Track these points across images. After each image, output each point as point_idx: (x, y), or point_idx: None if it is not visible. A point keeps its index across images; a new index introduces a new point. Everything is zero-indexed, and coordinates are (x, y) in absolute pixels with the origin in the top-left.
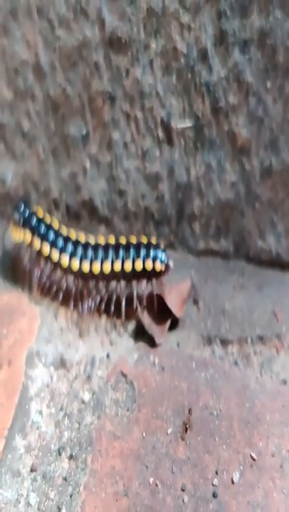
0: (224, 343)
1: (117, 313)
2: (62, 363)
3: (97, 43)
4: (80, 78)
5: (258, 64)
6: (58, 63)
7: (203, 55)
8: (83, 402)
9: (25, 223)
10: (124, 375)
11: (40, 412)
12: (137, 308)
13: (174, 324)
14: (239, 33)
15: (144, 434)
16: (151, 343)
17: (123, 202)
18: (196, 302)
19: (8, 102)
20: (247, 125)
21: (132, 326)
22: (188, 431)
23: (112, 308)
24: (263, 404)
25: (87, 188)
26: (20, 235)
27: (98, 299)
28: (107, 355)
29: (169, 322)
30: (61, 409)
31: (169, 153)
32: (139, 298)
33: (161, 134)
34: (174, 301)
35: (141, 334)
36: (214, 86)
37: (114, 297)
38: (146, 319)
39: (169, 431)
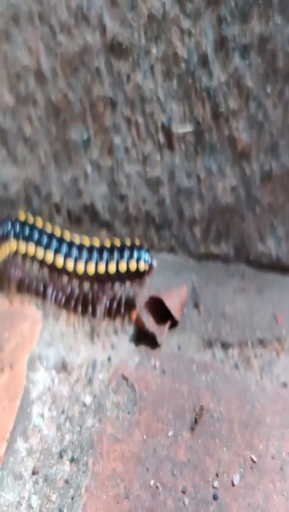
0: (225, 346)
1: (103, 313)
2: (63, 367)
3: (98, 49)
4: (82, 83)
5: (258, 69)
6: (59, 69)
7: (204, 61)
8: (84, 405)
9: (8, 234)
10: (125, 378)
11: (42, 415)
12: (121, 308)
13: (172, 326)
14: (239, 38)
15: (144, 437)
16: (153, 343)
17: (124, 206)
18: (196, 305)
19: (10, 107)
20: (247, 130)
21: (132, 329)
22: (196, 425)
23: (96, 308)
24: (264, 407)
25: (89, 192)
26: (5, 251)
27: (81, 297)
28: (108, 359)
29: (168, 324)
30: (62, 412)
31: (169, 158)
32: (124, 298)
33: (162, 138)
34: (173, 304)
35: (142, 337)
36: (214, 91)
37: (103, 297)
38: (147, 319)
39: (170, 433)
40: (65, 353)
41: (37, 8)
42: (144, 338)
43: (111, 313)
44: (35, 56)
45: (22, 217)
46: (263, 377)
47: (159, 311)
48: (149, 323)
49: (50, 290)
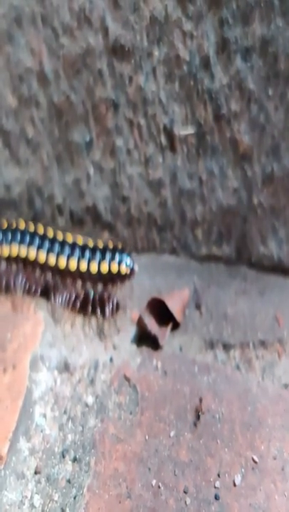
0: (226, 347)
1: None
2: (65, 367)
3: (100, 51)
4: (84, 85)
5: (260, 71)
6: (61, 71)
7: (206, 63)
8: (87, 405)
9: None
10: (127, 379)
11: (44, 415)
12: (102, 309)
13: (174, 328)
14: (241, 40)
15: (146, 437)
16: (154, 345)
17: (126, 208)
18: (198, 307)
19: (12, 109)
20: (249, 132)
21: (134, 330)
22: (200, 419)
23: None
24: (265, 408)
25: (91, 194)
26: None
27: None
28: (110, 359)
29: (170, 326)
30: (65, 412)
31: (171, 160)
32: (105, 299)
33: (164, 140)
34: (175, 306)
35: (143, 339)
36: (216, 93)
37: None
38: (149, 321)
39: (172, 434)
40: (68, 353)
41: (39, 10)
42: (146, 339)
43: (102, 313)
44: (38, 58)
45: (4, 225)
46: (264, 379)
47: (161, 312)
48: (151, 324)
49: (21, 281)
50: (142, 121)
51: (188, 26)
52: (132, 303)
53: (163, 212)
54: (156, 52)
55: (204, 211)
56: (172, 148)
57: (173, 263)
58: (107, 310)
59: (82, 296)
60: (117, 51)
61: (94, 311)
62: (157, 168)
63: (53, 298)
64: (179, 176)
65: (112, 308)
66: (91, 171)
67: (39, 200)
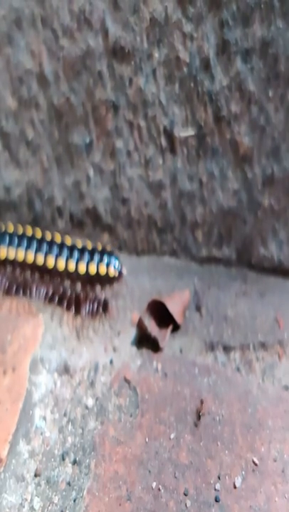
0: (226, 349)
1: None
2: (65, 369)
3: (100, 53)
4: (84, 87)
5: (260, 73)
6: (61, 72)
7: (206, 64)
8: (87, 407)
9: None
10: (128, 381)
11: (44, 418)
12: (91, 310)
13: (174, 329)
14: (241, 42)
15: (147, 440)
16: (154, 347)
17: (126, 210)
18: (198, 309)
19: (12, 111)
20: (249, 133)
21: (134, 332)
22: (200, 421)
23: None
24: (265, 410)
25: (91, 196)
26: None
27: (51, 291)
28: (111, 362)
29: (170, 327)
30: (65, 414)
31: (171, 162)
32: (92, 300)
33: (164, 142)
34: (175, 308)
35: (144, 341)
36: (216, 95)
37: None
38: (149, 323)
39: (172, 436)
40: (68, 355)
41: (39, 11)
42: (146, 341)
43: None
44: (38, 60)
45: None
46: (264, 381)
47: (162, 314)
48: (151, 326)
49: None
50: (142, 123)
51: (188, 28)
52: (132, 305)
53: (163, 214)
54: (156, 54)
55: (204, 213)
56: (172, 150)
57: (173, 265)
58: (91, 309)
59: (61, 292)
60: (117, 53)
61: (78, 310)
62: (157, 169)
63: (31, 291)
64: (179, 178)
65: (98, 308)
66: (91, 172)
67: (39, 202)
